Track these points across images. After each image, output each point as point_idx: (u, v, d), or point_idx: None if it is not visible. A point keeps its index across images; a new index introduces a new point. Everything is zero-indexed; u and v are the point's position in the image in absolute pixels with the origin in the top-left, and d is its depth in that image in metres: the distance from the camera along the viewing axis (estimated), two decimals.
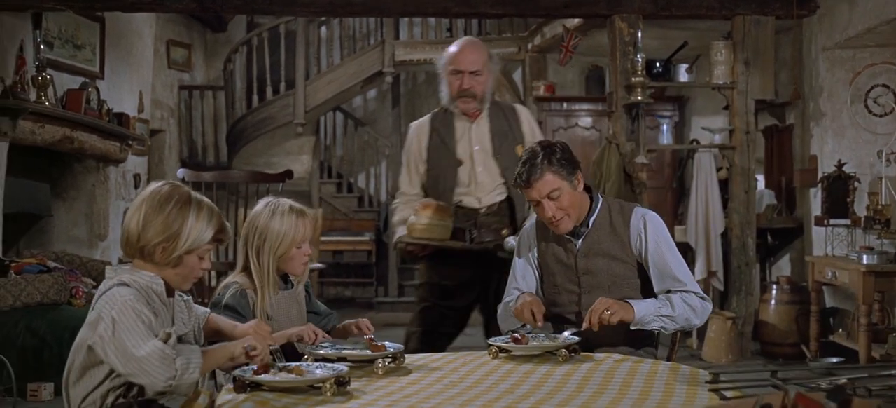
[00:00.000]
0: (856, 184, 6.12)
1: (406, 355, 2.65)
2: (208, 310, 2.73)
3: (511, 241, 3.57)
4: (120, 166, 7.53)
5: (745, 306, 6.37)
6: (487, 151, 3.76)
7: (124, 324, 2.24)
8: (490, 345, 2.77)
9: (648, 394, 2.20)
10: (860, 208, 6.03)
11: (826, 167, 6.30)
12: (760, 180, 7.16)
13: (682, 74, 6.98)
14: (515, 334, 2.80)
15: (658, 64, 6.91)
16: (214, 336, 2.66)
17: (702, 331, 6.36)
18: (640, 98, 6.13)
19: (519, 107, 4.01)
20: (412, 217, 3.59)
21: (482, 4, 6.26)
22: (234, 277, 2.88)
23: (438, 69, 3.85)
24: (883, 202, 5.72)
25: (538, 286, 3.19)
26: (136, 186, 7.89)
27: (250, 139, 10.73)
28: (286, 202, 2.90)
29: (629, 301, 2.89)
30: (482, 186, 3.74)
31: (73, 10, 6.49)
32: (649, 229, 3.02)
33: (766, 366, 6.03)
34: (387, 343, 2.66)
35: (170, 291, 2.49)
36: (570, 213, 2.99)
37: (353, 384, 2.29)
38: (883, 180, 5.78)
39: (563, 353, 2.66)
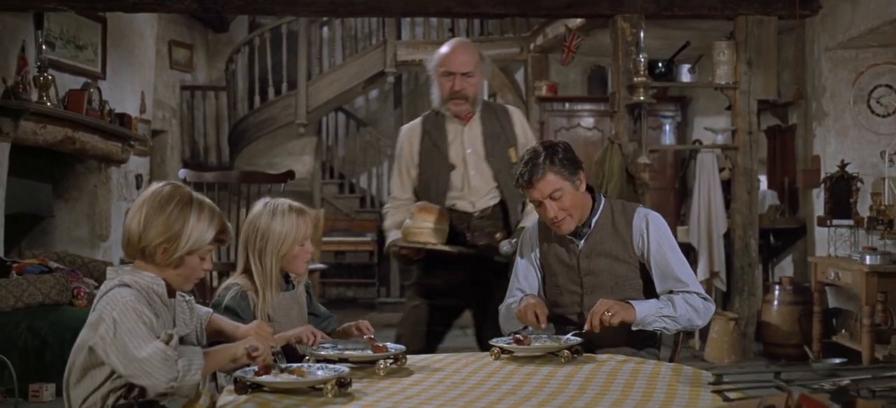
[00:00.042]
0: (859, 184, 6.10)
1: (408, 356, 2.64)
2: (210, 310, 2.72)
3: (506, 245, 3.52)
4: (122, 167, 7.54)
5: (748, 307, 6.35)
6: (480, 154, 3.70)
7: (125, 325, 2.23)
8: (492, 346, 2.76)
9: (651, 395, 2.19)
10: (863, 209, 6.01)
11: (829, 168, 6.28)
12: (763, 181, 7.14)
13: (685, 75, 6.96)
14: (517, 335, 2.79)
15: (660, 64, 6.88)
16: (216, 337, 2.66)
17: (704, 332, 6.35)
18: (642, 98, 6.12)
19: (511, 108, 3.96)
20: (408, 221, 3.52)
21: (484, 4, 6.25)
22: (235, 279, 2.87)
23: (429, 71, 3.78)
24: (886, 203, 5.70)
25: (540, 287, 3.18)
26: (138, 187, 7.90)
27: (252, 140, 10.73)
28: (285, 202, 2.90)
29: (630, 302, 2.88)
30: (475, 189, 3.68)
31: (75, 10, 6.49)
32: (651, 230, 3.01)
33: (768, 367, 6.02)
34: (388, 344, 2.66)
35: (171, 292, 2.49)
36: (572, 213, 2.98)
37: (355, 385, 2.28)
38: (886, 181, 5.77)
39: (565, 354, 2.66)
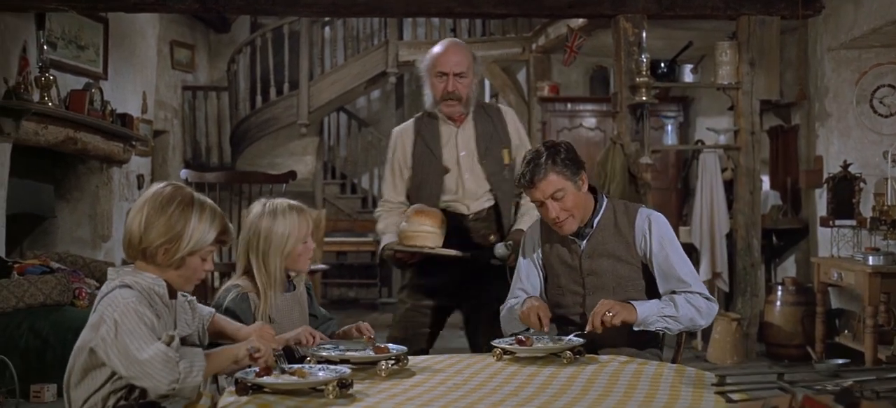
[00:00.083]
0: (861, 185, 6.09)
1: (409, 357, 2.63)
2: (213, 310, 2.72)
3: (500, 248, 3.46)
4: (123, 167, 7.54)
5: (751, 308, 6.34)
6: (473, 157, 3.63)
7: (127, 326, 2.23)
8: (494, 347, 2.75)
9: (654, 396, 2.18)
10: (866, 209, 6.00)
11: (831, 168, 6.27)
12: (765, 181, 7.13)
13: (687, 75, 6.95)
14: (520, 336, 2.78)
15: (663, 64, 6.88)
16: (218, 337, 2.65)
17: (707, 332, 6.34)
18: (644, 98, 6.11)
19: (504, 108, 3.88)
20: (403, 224, 3.43)
21: (486, 5, 6.24)
22: (235, 281, 2.87)
23: (421, 71, 3.70)
24: (889, 203, 5.69)
25: (542, 288, 3.17)
26: (140, 187, 7.89)
27: (254, 140, 10.74)
28: (283, 202, 2.90)
29: (631, 302, 2.87)
30: (470, 192, 3.61)
31: (77, 10, 6.49)
32: (654, 230, 3.00)
33: (771, 368, 6.01)
34: (390, 345, 2.65)
35: (172, 293, 2.48)
36: (575, 213, 2.96)
37: (356, 387, 2.27)
38: (889, 181, 5.76)
39: (567, 355, 2.65)
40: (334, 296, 10.28)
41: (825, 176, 6.33)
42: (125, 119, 7.16)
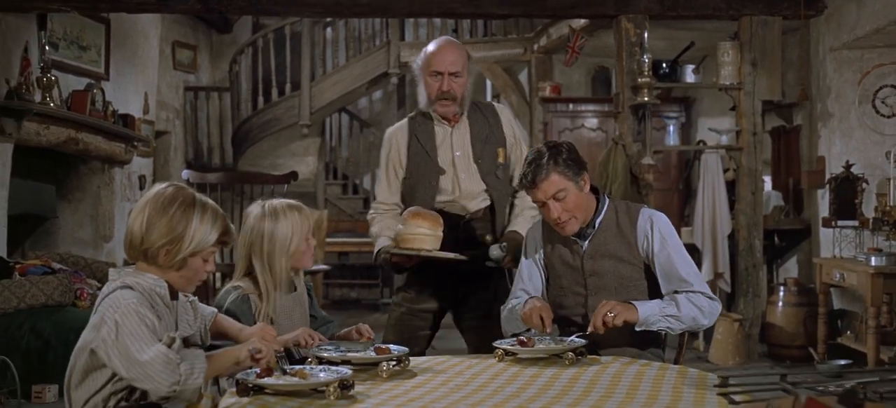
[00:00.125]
0: (864, 185, 6.08)
1: (411, 358, 2.63)
2: (215, 310, 2.72)
3: (495, 250, 3.40)
4: (125, 168, 7.54)
5: (753, 308, 6.34)
6: (469, 157, 3.56)
7: (128, 328, 2.22)
8: (495, 348, 2.75)
9: (656, 398, 2.17)
10: (868, 210, 5.99)
11: (834, 168, 6.26)
12: (767, 182, 7.12)
13: (689, 75, 6.95)
14: (521, 337, 2.78)
15: (664, 65, 6.88)
16: (220, 338, 2.65)
17: (709, 333, 6.33)
18: (646, 99, 6.10)
19: (498, 105, 3.80)
20: (400, 226, 3.32)
21: (488, 5, 6.24)
22: (236, 282, 2.87)
23: (415, 71, 3.64)
24: (891, 203, 5.68)
25: (544, 288, 3.16)
26: (142, 188, 7.89)
27: (256, 141, 10.73)
28: (281, 202, 2.91)
29: (633, 302, 2.86)
30: (466, 193, 3.54)
31: (78, 11, 6.49)
32: (656, 230, 2.99)
33: (773, 369, 6.00)
34: (391, 346, 2.64)
35: (173, 294, 2.48)
36: (577, 214, 2.95)
37: (357, 388, 2.26)
38: (891, 181, 5.74)
39: (569, 356, 2.64)
40: (336, 297, 10.28)
41: (827, 176, 6.32)
42: (127, 120, 7.16)
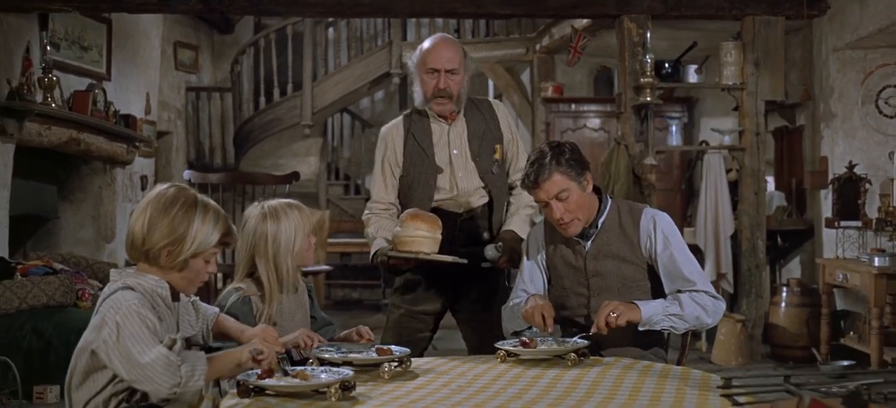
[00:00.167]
0: (867, 185, 6.07)
1: (412, 360, 2.62)
2: (217, 310, 2.71)
3: (490, 250, 3.35)
4: (127, 168, 7.53)
5: (755, 309, 6.32)
6: (466, 155, 3.52)
7: (129, 329, 2.22)
8: (498, 349, 2.74)
9: (659, 399, 2.16)
10: (871, 210, 5.98)
11: (837, 169, 6.25)
12: (770, 182, 7.11)
13: (692, 75, 6.94)
14: (523, 338, 2.77)
15: (667, 65, 6.86)
16: (222, 338, 2.64)
17: (711, 334, 6.32)
18: (648, 99, 6.09)
19: (495, 102, 3.76)
20: (397, 228, 3.24)
21: (490, 5, 6.23)
22: (237, 284, 2.86)
23: (411, 68, 3.59)
24: (894, 204, 5.67)
25: (546, 289, 3.15)
26: (143, 188, 7.89)
27: (257, 141, 10.73)
28: (281, 202, 2.90)
29: (636, 302, 2.85)
30: (463, 191, 3.50)
31: (80, 11, 6.49)
32: (659, 230, 2.98)
33: (777, 370, 5.99)
34: (393, 347, 2.63)
35: (175, 295, 2.47)
36: (579, 214, 2.94)
37: (359, 389, 2.25)
38: (894, 182, 5.73)
39: (571, 357, 2.63)
40: (338, 297, 10.26)
41: (830, 177, 6.31)
42: (128, 120, 7.15)
